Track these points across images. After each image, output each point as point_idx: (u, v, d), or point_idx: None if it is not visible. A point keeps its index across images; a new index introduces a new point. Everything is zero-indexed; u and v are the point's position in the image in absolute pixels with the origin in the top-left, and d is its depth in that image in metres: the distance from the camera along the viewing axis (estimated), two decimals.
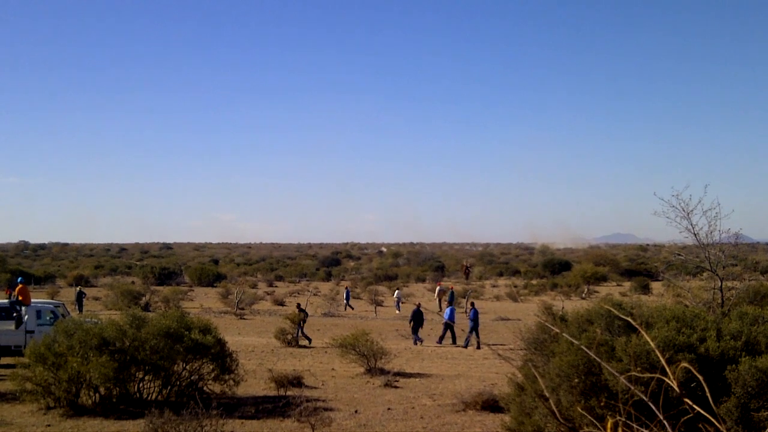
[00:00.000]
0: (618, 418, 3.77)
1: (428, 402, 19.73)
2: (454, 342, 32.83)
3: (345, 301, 51.88)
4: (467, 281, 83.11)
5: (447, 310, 34.70)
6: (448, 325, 33.00)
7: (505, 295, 61.84)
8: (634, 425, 3.85)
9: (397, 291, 53.99)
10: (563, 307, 30.11)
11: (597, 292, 62.21)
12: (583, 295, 61.10)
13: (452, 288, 52.28)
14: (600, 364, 10.44)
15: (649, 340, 3.66)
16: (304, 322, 33.11)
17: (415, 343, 32.47)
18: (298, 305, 35.84)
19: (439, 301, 51.38)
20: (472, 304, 35.28)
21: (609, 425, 3.73)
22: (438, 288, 53.66)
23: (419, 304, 35.25)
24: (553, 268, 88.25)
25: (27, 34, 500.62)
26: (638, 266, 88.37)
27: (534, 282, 76.20)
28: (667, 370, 3.49)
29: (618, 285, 73.50)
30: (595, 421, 4.26)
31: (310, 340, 32.26)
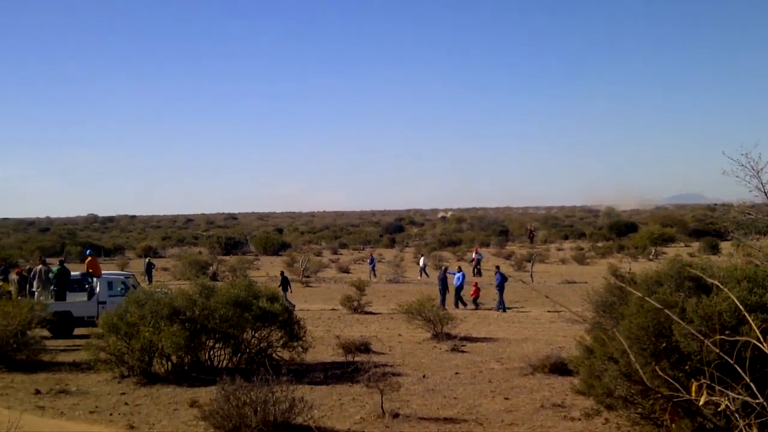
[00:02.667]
0: (702, 380, 3.69)
1: (496, 366, 19.69)
2: (455, 305, 33.16)
3: (370, 268, 51.88)
4: (532, 245, 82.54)
5: (458, 275, 34.61)
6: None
7: (570, 258, 61.27)
8: (717, 387, 3.77)
9: (422, 257, 53.60)
10: (631, 269, 29.67)
11: (665, 253, 61.17)
12: (651, 256, 60.28)
13: (477, 250, 52.51)
14: (671, 326, 10.30)
15: (730, 295, 3.57)
16: (286, 289, 33.14)
17: (456, 307, 32.69)
18: (282, 273, 36.98)
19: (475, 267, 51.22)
20: (497, 268, 35.37)
21: (693, 388, 3.65)
22: (475, 254, 53.26)
23: (446, 267, 35.53)
24: (619, 230, 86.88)
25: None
26: (706, 226, 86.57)
27: (600, 244, 75.31)
28: (756, 331, 3.39)
29: (686, 246, 72.30)
30: (672, 381, 4.19)
31: (293, 306, 31.01)
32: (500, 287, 32.60)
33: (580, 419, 13.74)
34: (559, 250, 75.75)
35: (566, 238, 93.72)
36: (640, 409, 11.30)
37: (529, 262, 50.69)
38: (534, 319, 28.92)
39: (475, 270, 49.30)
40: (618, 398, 11.47)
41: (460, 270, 35.84)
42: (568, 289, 36.74)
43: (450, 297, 33.66)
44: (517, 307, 32.69)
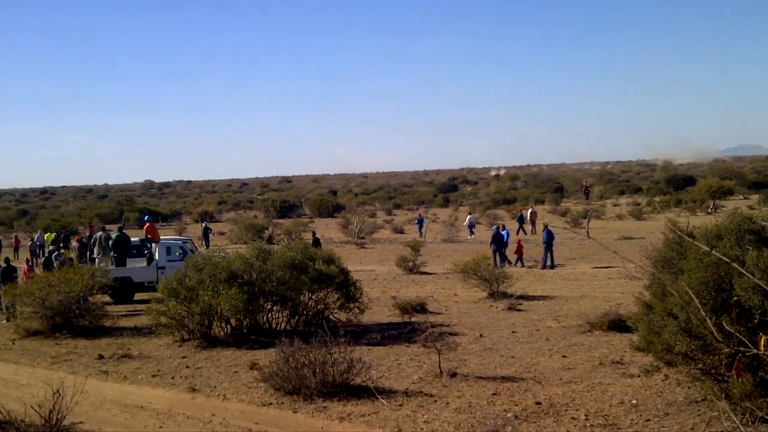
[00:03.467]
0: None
1: (553, 324, 19.62)
2: (502, 262, 32.88)
3: (418, 228, 51.90)
4: (587, 201, 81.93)
5: (501, 232, 34.47)
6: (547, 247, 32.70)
7: (627, 214, 60.65)
8: None
9: (469, 216, 53.27)
10: (689, 224, 29.29)
11: (724, 206, 60.29)
12: (710, 210, 59.41)
13: (521, 210, 52.18)
14: (731, 281, 10.14)
15: None
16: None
17: (501, 266, 31.82)
18: (313, 233, 37.49)
19: (533, 223, 50.84)
20: (545, 225, 35.04)
21: (762, 342, 3.59)
22: (530, 210, 52.86)
23: (498, 226, 35.43)
24: (676, 184, 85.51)
25: None
26: (766, 178, 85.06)
27: (657, 199, 74.29)
28: None
29: (745, 198, 71.17)
30: (737, 335, 4.12)
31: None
32: (547, 245, 32.48)
33: (639, 376, 13.65)
34: (615, 205, 75.07)
35: (622, 193, 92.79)
36: (700, 365, 11.19)
37: (585, 218, 50.26)
38: (591, 276, 28.71)
39: (520, 228, 49.17)
40: (678, 354, 11.35)
41: (504, 228, 35.78)
42: (626, 245, 36.36)
43: (509, 254, 33.63)
44: (572, 265, 32.46)
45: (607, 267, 30.43)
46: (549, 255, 32.26)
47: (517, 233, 46.05)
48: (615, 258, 30.42)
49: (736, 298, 10.04)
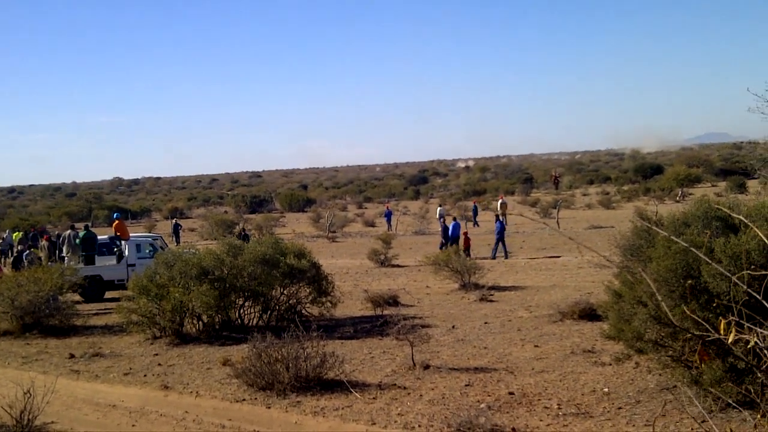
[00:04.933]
0: (731, 318, 3.66)
1: (525, 314, 19.72)
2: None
3: (386, 221, 52.01)
4: (557, 191, 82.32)
5: (452, 225, 35.20)
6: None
7: (596, 203, 61.03)
8: (746, 324, 3.74)
9: (439, 207, 53.44)
10: (657, 212, 29.53)
11: (691, 194, 60.74)
12: (678, 198, 59.89)
13: (475, 203, 52.72)
14: (699, 267, 10.24)
15: (759, 233, 3.53)
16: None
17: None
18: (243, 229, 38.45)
19: (504, 215, 51.02)
20: (497, 216, 36.04)
21: (722, 326, 3.63)
22: (500, 201, 52.97)
23: (444, 219, 35.98)
24: (644, 172, 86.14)
25: None
26: (733, 165, 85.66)
27: (626, 188, 74.90)
28: None
29: (713, 186, 71.79)
30: (702, 322, 4.16)
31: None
32: (499, 236, 32.99)
33: (610, 364, 13.75)
34: (584, 195, 75.52)
35: (591, 182, 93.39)
36: (670, 352, 11.29)
37: (555, 208, 50.51)
38: (561, 265, 28.88)
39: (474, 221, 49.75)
40: (648, 342, 11.45)
41: (455, 220, 36.13)
42: (595, 234, 36.60)
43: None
44: (540, 256, 32.61)
45: (555, 257, 30.47)
46: (502, 245, 32.62)
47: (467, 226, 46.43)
48: (580, 248, 30.51)
49: (690, 283, 10.13)
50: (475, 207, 52.41)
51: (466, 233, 34.46)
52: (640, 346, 11.92)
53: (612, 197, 65.27)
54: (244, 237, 34.83)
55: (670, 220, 12.28)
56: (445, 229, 34.47)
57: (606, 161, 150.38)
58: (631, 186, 76.77)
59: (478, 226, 43.47)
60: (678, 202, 55.28)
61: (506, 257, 32.35)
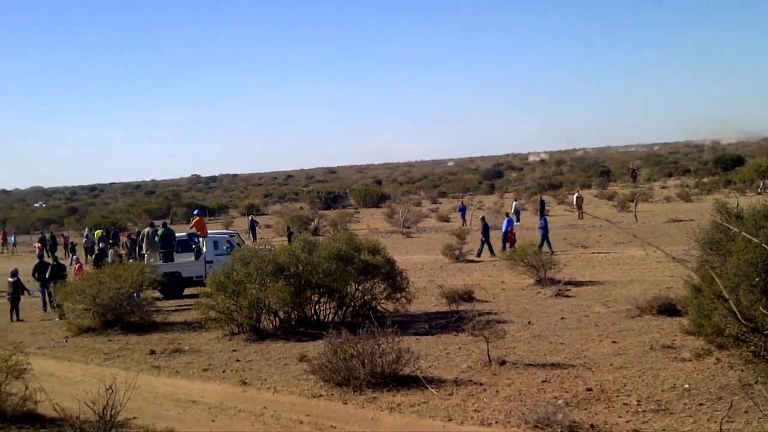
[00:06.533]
0: None
1: (602, 309, 19.47)
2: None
3: (460, 216, 51.45)
4: (635, 184, 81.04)
5: (506, 220, 34.79)
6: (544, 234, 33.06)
7: (675, 196, 59.92)
8: None
9: (515, 202, 52.97)
10: (738, 204, 28.89)
11: None
12: (759, 190, 58.47)
13: (541, 197, 51.79)
14: None
15: None
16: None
17: (478, 255, 33.38)
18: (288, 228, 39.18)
19: (580, 207, 50.32)
20: (507, 214, 36.90)
21: None
22: (576, 195, 52.29)
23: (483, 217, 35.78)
24: (725, 164, 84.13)
25: None
26: None
27: (705, 180, 73.40)
28: None
29: None
30: None
31: None
32: (544, 230, 33.01)
33: (690, 360, 13.51)
34: (663, 188, 74.25)
35: (670, 175, 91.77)
36: (752, 347, 11.06)
37: (633, 201, 49.76)
38: (639, 260, 28.42)
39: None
40: (729, 337, 11.24)
41: (507, 216, 35.68)
42: (674, 228, 35.97)
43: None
44: (619, 250, 32.13)
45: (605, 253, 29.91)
46: (547, 243, 32.52)
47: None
48: (662, 241, 30.07)
49: None
50: (542, 202, 51.71)
51: (510, 229, 34.10)
52: (721, 342, 11.70)
53: (691, 190, 63.99)
54: (290, 236, 35.90)
55: (750, 213, 12.03)
56: (485, 227, 33.84)
57: (685, 153, 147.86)
58: (711, 178, 75.20)
59: (545, 221, 42.94)
60: (759, 194, 53.98)
61: (503, 248, 32.24)
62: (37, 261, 26.49)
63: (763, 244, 4.83)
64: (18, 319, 24.45)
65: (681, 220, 40.16)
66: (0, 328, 23.03)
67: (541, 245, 31.93)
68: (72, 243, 46.70)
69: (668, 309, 17.53)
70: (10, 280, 25.24)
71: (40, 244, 45.94)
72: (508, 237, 33.12)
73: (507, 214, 36.81)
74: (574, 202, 51.46)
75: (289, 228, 43.27)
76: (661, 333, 16.08)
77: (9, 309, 24.88)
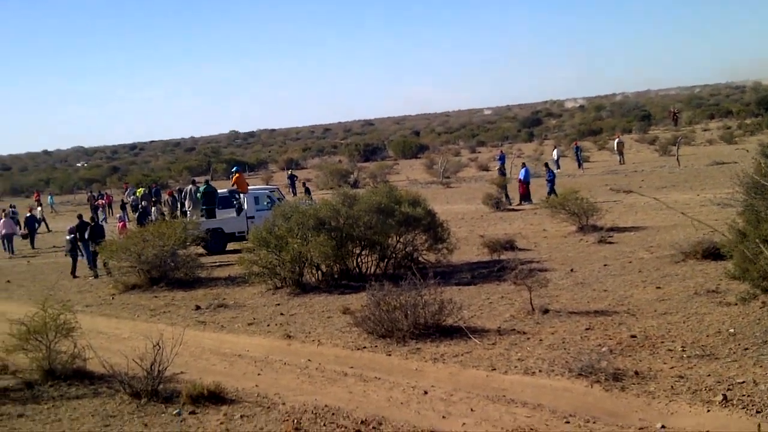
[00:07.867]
0: None
1: (645, 255, 19.33)
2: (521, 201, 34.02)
3: (499, 165, 50.78)
4: (676, 127, 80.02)
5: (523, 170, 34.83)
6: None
7: (718, 139, 59.10)
8: None
9: (555, 149, 52.50)
10: None
11: None
12: None
13: (576, 144, 51.33)
14: None
15: None
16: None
17: (521, 203, 33.80)
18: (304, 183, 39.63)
19: (621, 153, 49.81)
20: (523, 163, 36.47)
21: None
22: (617, 140, 51.68)
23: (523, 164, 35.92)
24: (767, 105, 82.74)
25: None
26: None
27: (748, 122, 72.17)
28: None
29: None
30: None
31: None
32: (551, 182, 32.88)
33: (736, 304, 13.39)
34: (705, 130, 73.31)
35: (712, 117, 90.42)
36: None
37: (674, 145, 49.14)
38: (683, 204, 28.07)
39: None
40: None
41: (524, 166, 35.37)
42: (717, 171, 35.55)
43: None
44: (663, 194, 31.79)
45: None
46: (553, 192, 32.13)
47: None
48: (705, 184, 29.72)
49: None
50: (577, 148, 51.06)
51: (520, 180, 33.84)
52: (767, 286, 11.58)
53: (734, 132, 62.99)
54: (307, 190, 36.36)
55: None
56: (526, 172, 33.87)
57: (726, 95, 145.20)
58: (753, 119, 73.88)
59: (582, 168, 42.25)
60: None
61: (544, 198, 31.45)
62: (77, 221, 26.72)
63: None
64: (75, 276, 24.80)
65: (724, 163, 39.60)
66: (48, 287, 23.36)
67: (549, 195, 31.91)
68: (122, 201, 47.09)
69: (713, 253, 17.34)
70: (68, 237, 25.65)
71: (103, 201, 47.39)
72: (520, 188, 33.16)
73: (524, 164, 36.49)
74: (615, 148, 50.94)
75: (305, 183, 44.28)
76: (706, 278, 15.95)
77: (71, 264, 25.30)
